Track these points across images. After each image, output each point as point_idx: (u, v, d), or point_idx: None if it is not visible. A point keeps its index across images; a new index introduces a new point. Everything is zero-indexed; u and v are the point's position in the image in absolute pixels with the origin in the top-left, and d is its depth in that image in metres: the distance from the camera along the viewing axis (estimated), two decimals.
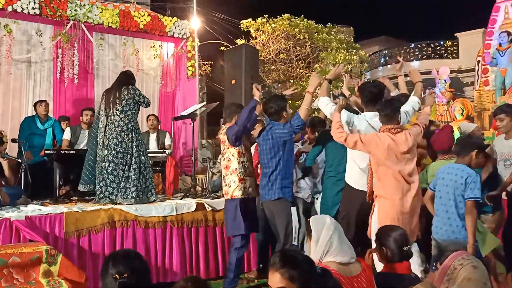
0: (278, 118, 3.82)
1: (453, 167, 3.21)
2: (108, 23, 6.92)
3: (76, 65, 6.70)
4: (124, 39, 7.31)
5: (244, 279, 4.42)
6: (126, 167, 4.37)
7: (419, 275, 3.39)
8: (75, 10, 6.66)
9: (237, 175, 3.91)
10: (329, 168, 4.03)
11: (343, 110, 3.58)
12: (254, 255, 4.65)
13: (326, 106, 3.74)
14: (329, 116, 3.77)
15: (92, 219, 3.88)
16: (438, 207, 3.26)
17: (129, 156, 4.39)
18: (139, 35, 7.37)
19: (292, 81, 12.29)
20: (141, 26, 7.22)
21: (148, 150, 4.96)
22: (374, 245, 2.57)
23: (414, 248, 3.47)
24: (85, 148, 5.72)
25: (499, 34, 8.33)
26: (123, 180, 4.34)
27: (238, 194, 3.88)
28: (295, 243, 3.72)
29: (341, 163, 3.85)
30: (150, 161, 4.68)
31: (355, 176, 3.55)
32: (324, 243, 2.39)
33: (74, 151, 5.25)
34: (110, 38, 7.25)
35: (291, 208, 3.72)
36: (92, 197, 4.52)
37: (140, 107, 4.64)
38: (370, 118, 3.55)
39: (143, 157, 4.49)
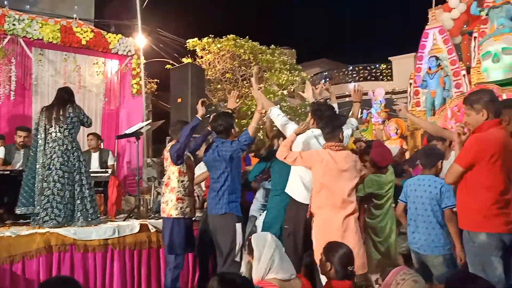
0: (226, 136, 3.85)
1: (424, 179, 3.37)
2: (49, 38, 6.72)
3: (13, 81, 6.41)
4: (66, 55, 7.11)
5: None
6: (73, 188, 4.20)
7: None
8: (13, 25, 6.41)
9: (175, 194, 3.91)
10: (274, 187, 4.06)
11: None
12: (192, 274, 4.62)
13: (277, 117, 3.78)
14: (280, 127, 3.79)
15: (26, 244, 3.67)
16: (415, 218, 3.38)
17: (75, 176, 4.23)
18: (82, 51, 7.20)
19: (238, 100, 12.44)
20: (84, 42, 7.07)
21: (90, 170, 4.79)
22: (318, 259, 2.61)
23: None
24: (21, 168, 5.43)
25: (428, 59, 9.02)
26: (70, 201, 4.16)
27: (173, 213, 3.89)
28: (237, 259, 3.71)
29: (285, 183, 3.85)
30: (92, 182, 4.52)
31: (300, 190, 3.55)
32: (266, 261, 2.44)
33: (8, 171, 4.96)
34: (50, 53, 7.02)
35: (238, 224, 3.71)
36: (28, 221, 4.29)
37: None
38: (318, 135, 3.60)
39: (88, 178, 4.35)
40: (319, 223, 3.26)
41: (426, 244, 3.27)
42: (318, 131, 3.61)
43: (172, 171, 3.96)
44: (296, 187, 3.56)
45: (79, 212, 4.18)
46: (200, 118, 3.85)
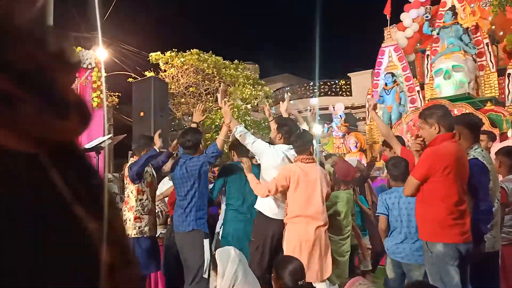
0: (194, 152, 3.81)
1: (401, 190, 3.38)
2: None
3: None
4: None
5: None
6: None
7: None
8: None
9: (133, 213, 3.82)
10: (230, 201, 4.03)
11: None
12: None
13: (245, 135, 3.74)
14: (247, 145, 3.76)
15: None
16: (399, 230, 3.42)
17: None
18: None
19: (203, 114, 12.43)
20: None
21: None
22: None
23: (323, 285, 3.50)
24: None
25: (385, 75, 9.42)
26: None
27: (131, 233, 3.79)
28: (205, 275, 3.67)
29: (241, 197, 3.92)
30: None
31: (268, 204, 3.57)
32: (230, 277, 2.42)
33: None
34: None
35: (206, 240, 3.65)
36: None
37: None
38: (286, 150, 3.64)
39: None
40: (291, 233, 3.35)
41: (411, 253, 3.33)
42: (285, 147, 3.67)
43: (131, 190, 3.89)
44: (266, 203, 3.58)
45: None
46: (157, 150, 3.84)
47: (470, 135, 3.23)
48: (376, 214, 3.64)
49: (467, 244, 2.76)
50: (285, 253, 3.31)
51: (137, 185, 3.87)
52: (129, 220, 3.83)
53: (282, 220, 3.44)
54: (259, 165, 3.83)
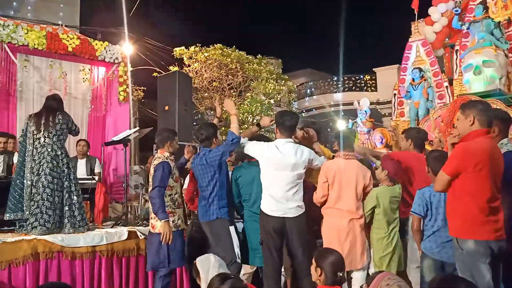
0: (208, 144, 3.92)
1: None
2: (34, 44, 6.65)
3: None
4: (51, 61, 7.04)
5: None
6: (62, 194, 4.14)
7: None
8: None
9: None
10: (244, 202, 4.06)
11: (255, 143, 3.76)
12: (187, 283, 4.58)
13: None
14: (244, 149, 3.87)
15: (13, 251, 3.60)
16: (445, 228, 3.18)
17: (64, 182, 4.17)
18: (68, 58, 7.15)
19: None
20: (70, 49, 7.02)
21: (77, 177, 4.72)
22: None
23: (359, 275, 3.71)
24: (2, 174, 5.32)
25: (412, 70, 9.22)
26: (59, 207, 4.09)
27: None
28: (238, 260, 3.75)
29: (250, 197, 3.95)
30: (79, 188, 4.45)
31: (267, 203, 3.62)
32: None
33: None
34: (36, 60, 6.95)
35: (231, 227, 3.74)
36: (13, 228, 4.20)
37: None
38: (281, 145, 3.65)
39: (77, 184, 4.29)
40: (325, 224, 3.70)
41: (452, 253, 3.14)
42: (281, 141, 3.68)
43: None
44: (265, 200, 3.65)
45: (66, 219, 4.12)
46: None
47: (500, 129, 3.15)
48: (410, 212, 3.52)
49: (500, 242, 2.69)
50: (323, 243, 3.65)
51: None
52: None
53: (280, 216, 3.54)
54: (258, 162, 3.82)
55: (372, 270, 3.68)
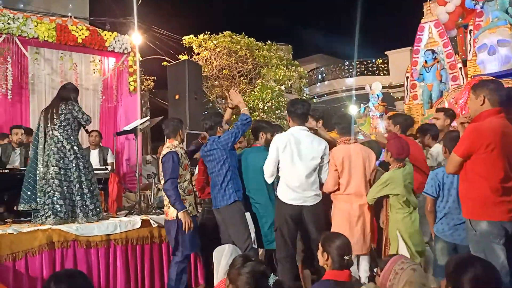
0: (214, 133, 3.98)
1: None
2: (44, 37, 6.69)
3: (9, 80, 6.40)
4: (62, 53, 7.09)
5: None
6: (71, 184, 4.19)
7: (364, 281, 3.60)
8: (8, 24, 6.38)
9: None
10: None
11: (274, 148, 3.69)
12: (201, 269, 4.63)
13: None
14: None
15: (28, 241, 3.67)
16: (458, 210, 3.15)
17: (73, 172, 4.20)
18: (78, 49, 7.19)
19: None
20: (79, 40, 7.05)
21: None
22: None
23: (366, 258, 3.75)
24: (18, 167, 5.40)
25: (425, 52, 9.04)
26: (68, 197, 4.15)
27: (177, 214, 3.86)
28: (255, 245, 3.77)
29: (241, 187, 3.96)
30: (92, 178, 4.49)
31: (286, 192, 3.62)
32: (223, 271, 2.50)
33: (7, 170, 4.95)
34: (47, 52, 7.00)
35: (247, 213, 3.77)
36: (29, 218, 4.29)
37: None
38: (296, 133, 3.66)
39: (88, 174, 4.31)
40: (336, 209, 3.76)
41: (464, 235, 3.10)
42: (295, 128, 3.68)
43: None
44: (282, 189, 3.65)
45: (78, 209, 4.17)
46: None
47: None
48: (423, 193, 3.49)
49: None
50: (332, 227, 3.66)
51: None
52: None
53: (297, 205, 3.55)
54: (267, 147, 3.82)
55: (404, 251, 3.52)
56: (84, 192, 4.24)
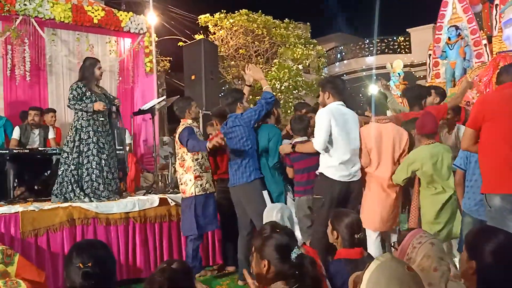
0: (234, 109, 3.90)
1: None
2: (60, 18, 6.68)
3: (27, 61, 6.45)
4: (78, 34, 7.09)
5: (208, 270, 4.42)
6: (86, 163, 4.23)
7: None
8: (24, 5, 6.38)
9: (192, 173, 3.94)
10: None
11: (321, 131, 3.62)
12: (219, 247, 4.66)
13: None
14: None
15: (50, 218, 3.75)
16: (478, 186, 3.08)
17: (78, 155, 4.21)
18: (94, 30, 7.17)
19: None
20: (95, 21, 7.02)
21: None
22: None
23: (395, 236, 3.65)
24: (37, 147, 5.47)
25: (448, 29, 8.74)
26: (76, 179, 4.21)
27: (195, 191, 3.91)
28: None
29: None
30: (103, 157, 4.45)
31: (332, 168, 3.59)
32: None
33: (28, 150, 5.04)
34: (63, 33, 7.01)
35: (264, 191, 3.73)
36: (49, 197, 4.37)
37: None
38: (339, 107, 3.67)
39: (103, 155, 4.28)
40: (367, 188, 3.73)
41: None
42: (334, 104, 3.67)
43: (185, 151, 3.98)
44: (328, 165, 3.60)
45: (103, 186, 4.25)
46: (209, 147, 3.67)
47: None
48: (453, 165, 3.40)
49: None
50: (362, 205, 3.71)
51: None
52: (190, 181, 3.96)
53: (346, 181, 3.56)
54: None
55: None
56: (106, 171, 4.31)
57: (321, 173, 3.66)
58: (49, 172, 5.00)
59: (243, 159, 3.75)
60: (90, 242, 1.81)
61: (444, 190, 3.46)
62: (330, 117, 3.55)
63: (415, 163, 3.47)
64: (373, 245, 3.55)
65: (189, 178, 3.96)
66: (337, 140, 3.56)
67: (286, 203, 3.93)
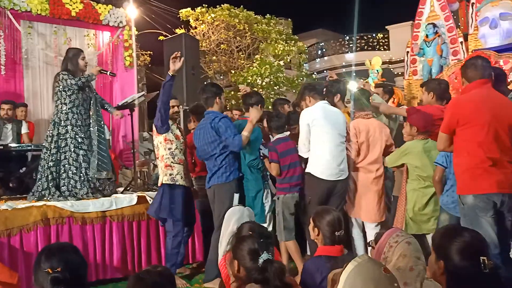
0: (211, 104, 3.83)
1: None
2: (37, 10, 6.52)
3: (2, 55, 6.30)
4: (55, 27, 6.94)
5: (187, 268, 4.42)
6: (58, 162, 4.16)
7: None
8: None
9: (163, 162, 3.94)
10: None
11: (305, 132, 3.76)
12: (199, 244, 4.66)
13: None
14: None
15: (23, 217, 3.67)
16: (455, 184, 3.14)
17: (56, 150, 4.15)
18: (72, 23, 7.03)
19: (233, 71, 12.29)
20: (73, 14, 6.88)
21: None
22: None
23: (372, 227, 3.79)
24: (10, 143, 5.33)
25: (426, 26, 8.87)
26: (52, 175, 4.15)
27: (163, 179, 3.91)
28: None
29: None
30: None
31: (318, 167, 3.69)
32: (227, 235, 2.50)
33: (2, 147, 4.92)
34: (40, 26, 6.85)
35: (235, 194, 3.71)
36: (25, 195, 4.29)
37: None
38: (322, 106, 3.81)
39: (80, 150, 4.20)
40: (355, 180, 3.88)
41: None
42: (321, 103, 3.85)
43: (159, 141, 3.97)
44: (315, 165, 3.72)
45: (68, 187, 4.17)
46: (171, 74, 3.73)
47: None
48: (434, 163, 3.49)
49: (503, 195, 2.60)
50: (349, 196, 3.86)
51: (164, 134, 3.92)
52: (161, 169, 3.97)
53: (332, 180, 3.68)
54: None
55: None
56: (82, 167, 4.24)
57: (308, 173, 3.74)
58: (24, 169, 4.89)
59: (217, 159, 3.72)
60: (61, 245, 1.77)
61: (431, 184, 3.57)
62: (307, 121, 3.69)
63: (408, 154, 3.61)
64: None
65: (161, 166, 3.99)
66: (323, 139, 3.66)
67: (264, 201, 3.94)
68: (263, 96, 11.30)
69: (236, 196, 3.69)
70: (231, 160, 3.72)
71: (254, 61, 12.14)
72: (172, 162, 3.93)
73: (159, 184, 4.00)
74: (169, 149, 3.95)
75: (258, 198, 3.85)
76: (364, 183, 3.86)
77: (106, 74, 4.76)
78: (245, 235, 1.89)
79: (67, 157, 4.14)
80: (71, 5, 6.86)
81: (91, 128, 4.34)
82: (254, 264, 1.74)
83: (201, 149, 3.84)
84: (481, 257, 1.57)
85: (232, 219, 2.49)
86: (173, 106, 4.10)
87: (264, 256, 1.75)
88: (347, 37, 18.16)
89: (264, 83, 11.59)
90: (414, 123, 3.65)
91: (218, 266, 3.65)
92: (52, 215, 3.79)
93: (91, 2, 7.27)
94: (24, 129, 5.74)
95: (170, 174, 3.92)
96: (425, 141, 3.63)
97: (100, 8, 7.23)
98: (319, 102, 3.81)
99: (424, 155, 3.56)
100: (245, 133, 3.61)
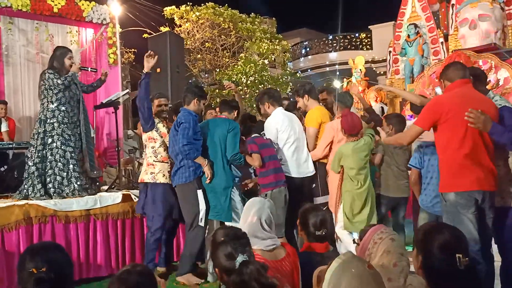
0: (188, 102, 3.84)
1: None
2: (18, 6, 6.39)
3: None
4: (37, 23, 6.82)
5: (171, 265, 4.41)
6: (44, 159, 4.11)
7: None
8: None
9: (146, 160, 4.00)
10: None
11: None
12: (184, 242, 4.65)
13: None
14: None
15: (5, 216, 3.61)
16: (433, 183, 3.36)
17: (42, 148, 4.10)
18: (54, 19, 6.91)
19: (218, 70, 12.28)
20: (56, 10, 6.76)
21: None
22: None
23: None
24: None
25: (407, 26, 9.04)
26: (41, 174, 4.10)
27: (145, 178, 3.94)
28: (201, 224, 3.75)
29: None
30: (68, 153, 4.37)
31: (294, 167, 4.00)
32: (246, 227, 2.42)
33: None
34: (21, 22, 6.72)
35: (199, 190, 3.74)
36: (6, 194, 4.23)
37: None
38: (283, 112, 4.13)
39: (68, 147, 4.14)
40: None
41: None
42: (280, 109, 4.15)
43: (145, 139, 4.06)
44: (292, 165, 4.01)
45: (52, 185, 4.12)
46: (145, 71, 3.88)
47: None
48: (408, 166, 3.59)
49: (484, 192, 2.68)
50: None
51: (148, 133, 3.96)
52: (143, 167, 4.03)
53: (301, 177, 3.98)
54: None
55: (340, 225, 3.74)
56: (65, 166, 4.19)
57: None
58: (5, 167, 4.83)
59: (181, 160, 3.74)
60: (45, 245, 1.73)
61: (363, 185, 3.69)
62: (276, 126, 3.97)
63: (342, 157, 3.71)
64: None
65: (144, 164, 4.04)
66: (288, 140, 3.97)
67: (231, 199, 3.89)
68: (248, 95, 11.37)
69: (200, 192, 3.74)
70: (189, 161, 3.73)
71: (239, 59, 12.16)
72: (154, 160, 3.95)
73: (139, 181, 4.05)
74: (152, 147, 3.98)
75: (225, 194, 3.80)
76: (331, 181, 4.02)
77: (87, 70, 4.72)
78: (218, 241, 1.85)
79: (53, 153, 4.09)
80: (53, 1, 6.74)
81: (80, 128, 4.31)
82: (232, 267, 1.72)
83: (170, 147, 3.87)
84: (457, 255, 1.62)
85: (252, 210, 2.40)
86: (160, 105, 4.10)
87: (239, 258, 1.72)
88: (331, 37, 18.32)
89: (248, 82, 11.63)
90: (342, 126, 3.79)
91: (191, 261, 3.75)
92: (35, 214, 3.74)
93: None
94: (3, 127, 5.65)
95: (152, 173, 3.94)
96: (355, 142, 3.72)
97: (83, 4, 7.13)
98: (278, 108, 4.11)
99: (356, 155, 3.67)
100: (199, 160, 3.72)
